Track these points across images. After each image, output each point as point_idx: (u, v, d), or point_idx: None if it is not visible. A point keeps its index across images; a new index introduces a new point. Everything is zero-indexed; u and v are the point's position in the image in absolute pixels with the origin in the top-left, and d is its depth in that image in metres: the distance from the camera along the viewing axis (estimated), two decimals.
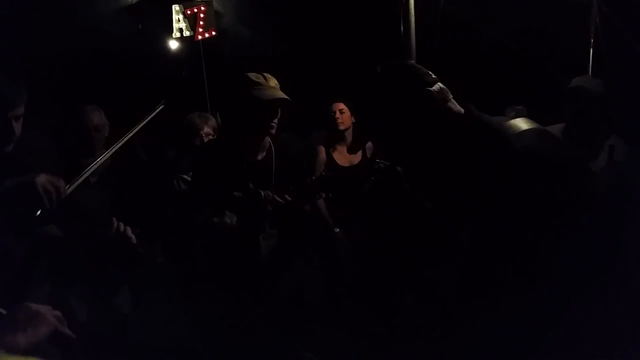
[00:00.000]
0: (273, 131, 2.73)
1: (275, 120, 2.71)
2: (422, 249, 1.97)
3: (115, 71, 7.22)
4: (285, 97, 2.68)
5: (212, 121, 3.52)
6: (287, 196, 2.62)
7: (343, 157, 3.94)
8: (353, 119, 3.89)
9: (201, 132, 3.48)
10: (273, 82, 2.73)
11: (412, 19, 3.15)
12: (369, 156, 3.92)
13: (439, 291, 1.58)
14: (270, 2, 5.75)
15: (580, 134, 2.86)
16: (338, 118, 3.90)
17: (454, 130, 1.52)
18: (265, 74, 2.73)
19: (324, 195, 2.70)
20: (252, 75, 2.70)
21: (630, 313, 1.35)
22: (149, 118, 2.84)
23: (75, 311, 3.07)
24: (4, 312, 1.33)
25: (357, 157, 3.94)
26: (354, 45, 5.47)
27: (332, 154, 3.92)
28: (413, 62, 1.69)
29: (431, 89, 1.53)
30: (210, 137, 3.49)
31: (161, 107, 2.92)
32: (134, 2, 7.66)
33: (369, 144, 3.91)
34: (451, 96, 1.57)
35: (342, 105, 3.93)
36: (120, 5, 7.52)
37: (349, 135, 3.95)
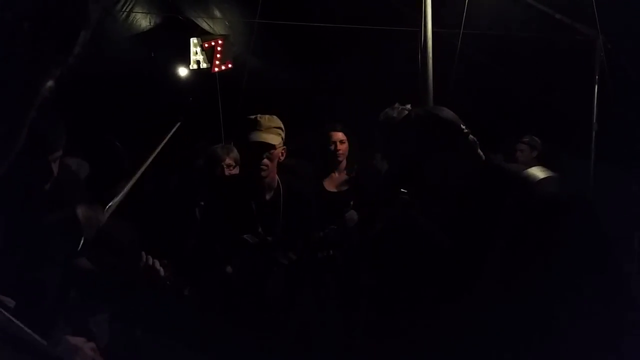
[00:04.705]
0: (264, 174, 2.68)
1: (265, 162, 2.66)
2: (439, 287, 2.04)
3: (127, 99, 7.35)
4: (263, 140, 2.62)
5: (235, 153, 3.62)
6: (292, 255, 2.63)
7: (331, 182, 3.83)
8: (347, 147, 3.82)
9: (222, 162, 3.59)
10: (268, 123, 2.68)
11: (430, 61, 3.27)
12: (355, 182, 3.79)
13: (458, 329, 1.64)
14: (286, 36, 5.90)
15: None
16: (339, 150, 3.80)
17: (479, 176, 1.63)
18: (263, 115, 2.70)
19: (331, 253, 2.71)
20: (251, 117, 2.70)
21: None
22: (168, 137, 2.88)
23: (95, 336, 3.13)
24: (44, 343, 1.40)
25: (345, 184, 3.82)
26: (370, 82, 5.61)
27: (323, 181, 3.79)
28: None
29: (470, 137, 1.64)
30: (232, 168, 3.59)
31: (178, 124, 2.96)
32: (145, 29, 7.80)
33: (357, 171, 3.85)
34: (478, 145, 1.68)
35: (342, 135, 3.84)
36: (132, 32, 7.64)
37: (343, 163, 3.85)
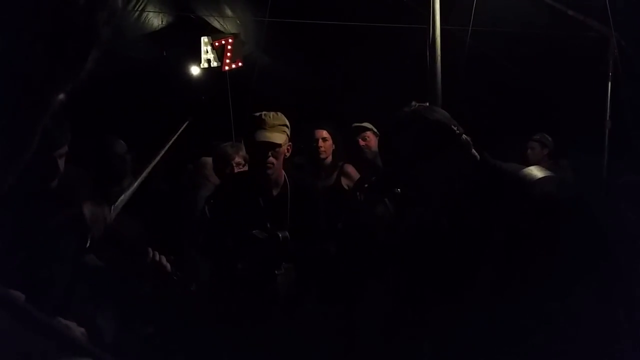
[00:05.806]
0: (269, 171, 2.68)
1: (271, 160, 2.66)
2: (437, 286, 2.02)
3: (138, 97, 7.40)
4: (269, 140, 2.61)
5: (244, 151, 3.62)
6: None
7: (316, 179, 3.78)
8: (334, 145, 3.85)
9: (232, 161, 3.59)
10: (273, 121, 2.67)
11: (439, 58, 3.25)
12: (343, 183, 3.76)
13: (455, 330, 1.63)
14: (297, 34, 5.91)
15: None
16: (321, 147, 3.81)
17: (474, 176, 1.61)
18: (269, 113, 2.68)
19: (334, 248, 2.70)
20: (256, 114, 2.69)
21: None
22: (176, 135, 2.90)
23: (102, 332, 3.16)
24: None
25: (329, 181, 3.80)
26: (378, 78, 5.60)
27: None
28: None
29: (464, 136, 1.61)
30: (241, 166, 3.59)
31: (186, 123, 2.97)
32: (157, 28, 7.84)
33: (347, 170, 3.81)
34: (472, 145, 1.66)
35: (325, 133, 3.84)
36: (144, 31, 7.69)
37: (328, 161, 3.86)
